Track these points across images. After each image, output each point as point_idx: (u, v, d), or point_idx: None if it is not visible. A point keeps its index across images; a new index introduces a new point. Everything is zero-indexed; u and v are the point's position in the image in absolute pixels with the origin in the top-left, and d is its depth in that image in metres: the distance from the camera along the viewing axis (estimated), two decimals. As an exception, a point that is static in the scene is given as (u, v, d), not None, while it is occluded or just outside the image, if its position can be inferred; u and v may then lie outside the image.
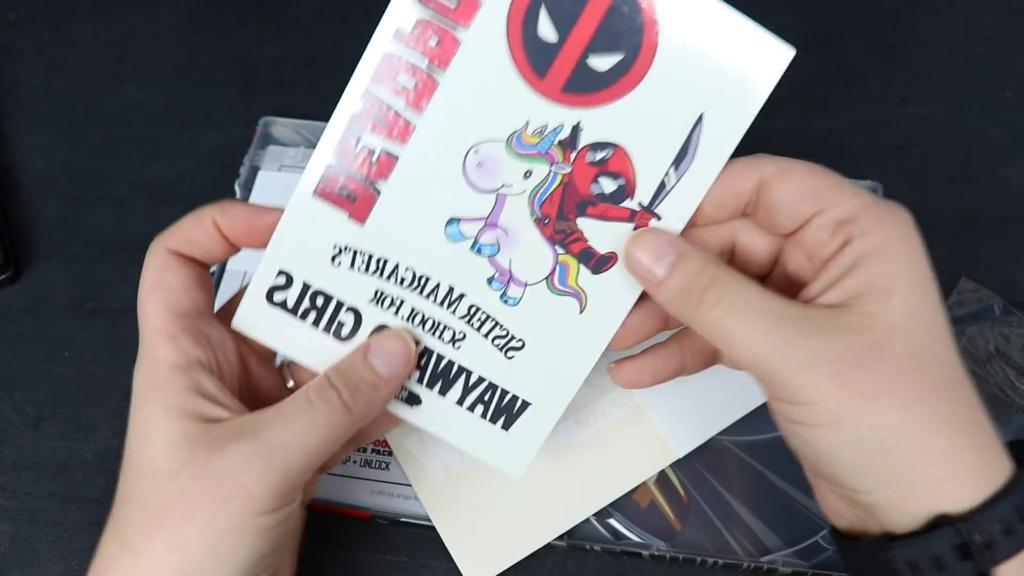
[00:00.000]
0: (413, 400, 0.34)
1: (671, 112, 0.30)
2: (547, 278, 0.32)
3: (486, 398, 0.33)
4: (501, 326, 0.32)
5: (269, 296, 0.32)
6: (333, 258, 0.32)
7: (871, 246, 0.28)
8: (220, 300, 0.46)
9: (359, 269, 0.32)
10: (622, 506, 0.40)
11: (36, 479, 0.43)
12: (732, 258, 0.33)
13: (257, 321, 0.33)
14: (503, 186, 0.31)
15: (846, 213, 0.29)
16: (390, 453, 0.41)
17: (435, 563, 0.40)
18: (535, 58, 0.29)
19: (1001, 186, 0.51)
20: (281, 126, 0.52)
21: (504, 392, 0.33)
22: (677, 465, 0.41)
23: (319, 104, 0.55)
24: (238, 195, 0.49)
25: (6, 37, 0.59)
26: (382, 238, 0.31)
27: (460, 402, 0.33)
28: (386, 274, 0.32)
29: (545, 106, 0.30)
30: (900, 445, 0.27)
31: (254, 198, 0.49)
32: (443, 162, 0.30)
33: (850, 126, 0.54)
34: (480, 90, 0.30)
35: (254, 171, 0.50)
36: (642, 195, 0.31)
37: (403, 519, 0.40)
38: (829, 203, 0.29)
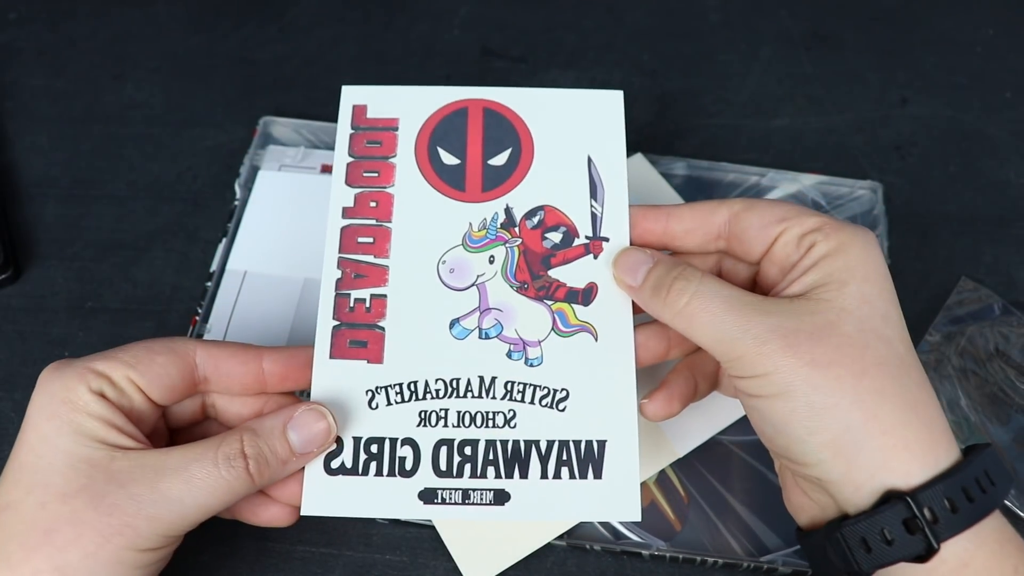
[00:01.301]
0: (502, 498, 0.34)
1: (566, 166, 0.38)
2: (552, 328, 0.36)
3: (564, 457, 0.34)
4: (540, 387, 0.35)
5: (328, 467, 0.34)
6: (369, 403, 0.34)
7: (830, 248, 0.32)
8: (225, 302, 0.46)
9: (395, 401, 0.35)
10: None
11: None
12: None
13: (327, 497, 0.34)
14: (478, 277, 0.36)
15: (809, 227, 0.33)
16: None
17: (435, 563, 0.40)
18: (452, 181, 0.38)
19: (1001, 185, 0.51)
20: (281, 126, 0.52)
21: (577, 443, 0.34)
22: (677, 465, 0.41)
23: (319, 103, 0.55)
24: (238, 195, 0.49)
25: (6, 37, 0.59)
26: (403, 365, 0.35)
27: (544, 475, 0.34)
28: (420, 394, 0.35)
29: (477, 207, 0.37)
30: (850, 411, 0.29)
31: (254, 198, 0.49)
32: (423, 281, 0.36)
33: (850, 125, 0.54)
34: (424, 220, 0.37)
35: (254, 171, 0.50)
36: (584, 230, 0.37)
37: (403, 519, 0.40)
38: (793, 223, 0.33)
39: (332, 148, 0.51)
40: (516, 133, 0.39)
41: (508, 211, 0.37)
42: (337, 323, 0.36)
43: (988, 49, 0.57)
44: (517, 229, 0.37)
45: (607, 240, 0.37)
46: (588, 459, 0.34)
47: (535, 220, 0.37)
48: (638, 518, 0.34)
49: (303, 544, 0.41)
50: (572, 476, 0.34)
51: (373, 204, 0.37)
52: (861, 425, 0.29)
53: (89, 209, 0.51)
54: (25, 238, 0.50)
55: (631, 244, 0.37)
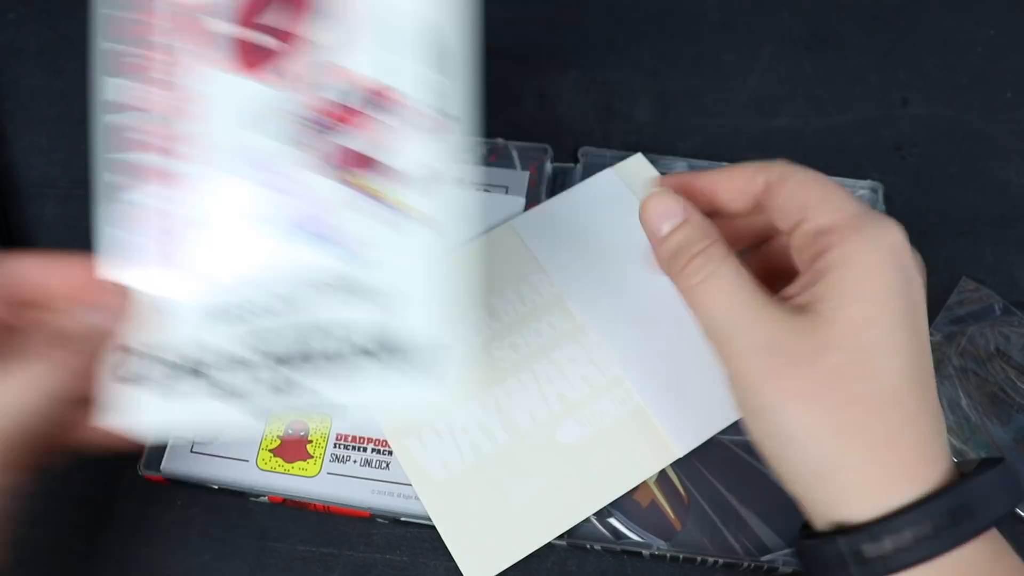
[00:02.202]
0: (285, 387, 0.31)
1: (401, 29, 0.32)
2: (384, 222, 0.31)
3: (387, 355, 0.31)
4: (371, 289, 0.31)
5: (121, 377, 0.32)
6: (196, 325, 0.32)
7: (843, 255, 0.30)
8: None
9: (218, 321, 0.32)
10: (622, 505, 0.40)
11: (37, 479, 0.42)
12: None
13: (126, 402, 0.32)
14: (296, 169, 0.32)
15: (827, 224, 0.31)
16: (390, 453, 0.41)
17: (435, 562, 0.40)
18: (253, 55, 0.31)
19: (1002, 186, 0.51)
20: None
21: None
22: (677, 465, 0.41)
23: (319, 104, 0.55)
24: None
25: (6, 36, 0.59)
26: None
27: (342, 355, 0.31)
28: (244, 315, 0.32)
29: (282, 91, 0.32)
30: (819, 445, 0.29)
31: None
32: (227, 181, 0.32)
33: (850, 125, 0.54)
34: (222, 108, 0.32)
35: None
36: (424, 106, 0.32)
37: (403, 519, 0.40)
38: (812, 213, 0.31)
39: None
40: None
41: (323, 89, 0.32)
42: (128, 235, 0.33)
43: (989, 49, 0.57)
44: (340, 109, 0.32)
45: (453, 118, 0.32)
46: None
47: (358, 99, 0.32)
48: (459, 397, 0.32)
49: (303, 544, 0.41)
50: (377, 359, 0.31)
51: (160, 95, 0.32)
52: (829, 458, 0.29)
53: (89, 209, 0.51)
54: (25, 238, 0.50)
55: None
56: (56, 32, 0.59)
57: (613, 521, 0.40)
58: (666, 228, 0.33)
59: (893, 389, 0.29)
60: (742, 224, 0.36)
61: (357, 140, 0.31)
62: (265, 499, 0.41)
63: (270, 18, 0.31)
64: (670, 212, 0.33)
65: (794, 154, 0.53)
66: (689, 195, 0.35)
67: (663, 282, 0.38)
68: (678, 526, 0.40)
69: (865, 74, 0.56)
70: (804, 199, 0.32)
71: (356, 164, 0.31)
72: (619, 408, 0.41)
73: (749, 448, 0.41)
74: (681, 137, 0.53)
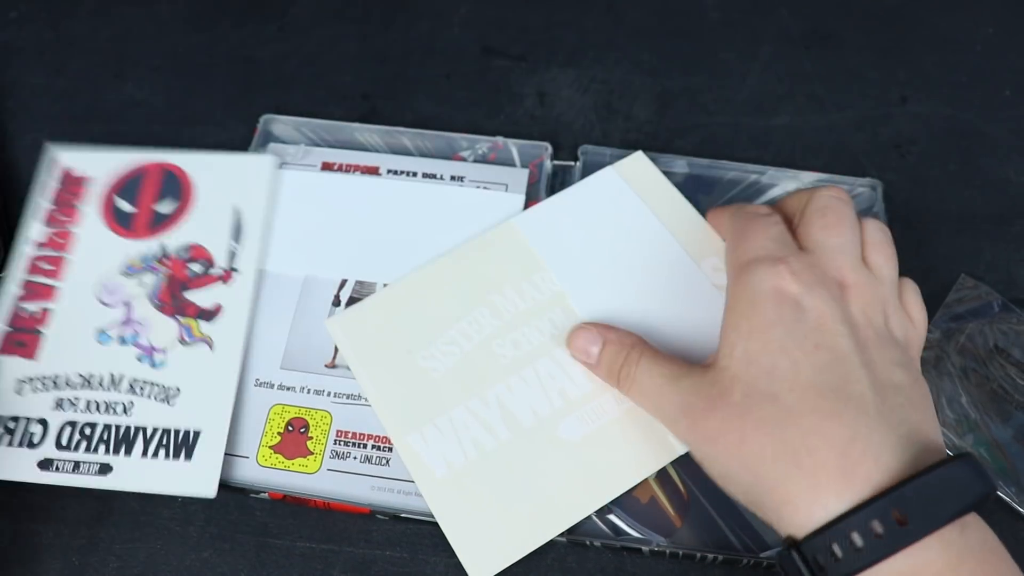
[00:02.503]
0: (105, 470, 0.41)
1: (218, 214, 0.48)
2: (179, 338, 0.44)
3: (165, 442, 0.41)
4: (158, 385, 0.43)
5: None
6: (18, 391, 0.43)
7: (728, 302, 0.35)
8: (220, 297, 0.46)
9: (39, 389, 0.43)
10: (622, 502, 0.40)
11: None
12: None
13: None
14: (130, 297, 0.45)
15: (731, 272, 0.36)
16: (390, 449, 0.41)
17: (435, 559, 0.40)
18: (123, 223, 0.48)
19: (1001, 184, 0.51)
20: (282, 124, 0.52)
21: (177, 431, 0.41)
22: (677, 462, 0.41)
23: (319, 102, 0.55)
24: (238, 193, 0.49)
25: (7, 35, 0.59)
26: (50, 362, 0.43)
27: (145, 454, 0.41)
28: (60, 385, 0.43)
29: (141, 243, 0.47)
30: (741, 476, 0.32)
31: (254, 196, 0.50)
32: (82, 299, 0.45)
33: (850, 124, 0.54)
34: (94, 253, 0.47)
35: (254, 169, 0.51)
36: (222, 263, 0.46)
37: (403, 515, 0.40)
38: (728, 254, 0.37)
39: (333, 146, 0.51)
40: (182, 188, 0.49)
41: (163, 247, 0.47)
42: (8, 328, 0.45)
43: (988, 48, 0.57)
44: (168, 261, 0.46)
45: (238, 271, 0.46)
46: (183, 444, 0.41)
47: (185, 255, 0.46)
48: (212, 495, 0.40)
49: (304, 540, 0.41)
50: (168, 456, 0.41)
51: (59, 239, 0.47)
52: (753, 487, 0.31)
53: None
54: (26, 236, 0.50)
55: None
56: (57, 31, 0.59)
57: (613, 518, 0.40)
58: (594, 352, 0.40)
59: (793, 406, 0.31)
60: None
61: (197, 295, 0.45)
62: (265, 495, 0.41)
63: (156, 202, 0.48)
64: (591, 340, 0.40)
65: (794, 152, 0.54)
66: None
67: (664, 280, 0.44)
68: (678, 523, 0.40)
69: (864, 72, 0.56)
70: (731, 241, 0.38)
71: (186, 309, 0.45)
72: (621, 405, 0.41)
73: None
74: (680, 135, 0.54)
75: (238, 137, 0.53)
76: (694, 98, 0.55)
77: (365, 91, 0.56)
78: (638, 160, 0.48)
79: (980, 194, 0.51)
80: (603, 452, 0.40)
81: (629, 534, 0.40)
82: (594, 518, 0.40)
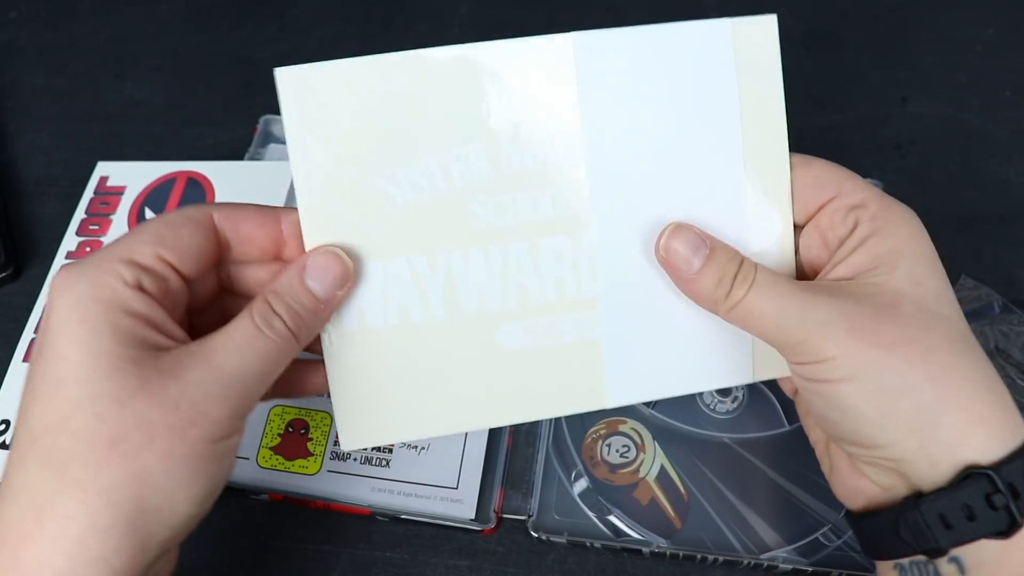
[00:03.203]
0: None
1: None
2: None
3: None
4: None
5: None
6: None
7: (877, 227, 0.31)
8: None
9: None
10: (622, 503, 0.40)
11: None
12: None
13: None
14: None
15: (858, 200, 0.32)
16: (390, 451, 0.42)
17: (435, 560, 0.40)
18: None
19: (1001, 184, 0.51)
20: (281, 124, 0.52)
21: None
22: (677, 463, 0.41)
23: (319, 102, 0.55)
24: (238, 193, 0.50)
25: (7, 35, 0.59)
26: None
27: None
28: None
29: None
30: (923, 389, 0.28)
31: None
32: None
33: (850, 124, 0.54)
34: None
35: (254, 169, 0.51)
36: None
37: (403, 516, 0.40)
38: (844, 191, 0.33)
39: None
40: (204, 195, 0.49)
41: None
42: (35, 336, 0.41)
43: (988, 48, 0.57)
44: None
45: None
46: None
47: None
48: None
49: (304, 542, 0.41)
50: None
51: (88, 249, 0.48)
52: (936, 402, 0.28)
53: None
54: (26, 236, 0.50)
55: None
56: (57, 31, 0.59)
57: (613, 519, 0.40)
58: (697, 264, 0.32)
59: (964, 333, 0.30)
60: None
61: None
62: (265, 497, 0.41)
63: None
64: (696, 246, 0.32)
65: (793, 153, 0.53)
66: None
67: (711, 207, 0.34)
68: (678, 524, 0.40)
69: (864, 73, 0.56)
70: (834, 178, 0.33)
71: None
72: (576, 334, 0.34)
73: (749, 446, 0.41)
74: (681, 136, 0.54)
75: (237, 137, 0.53)
76: (694, 98, 0.55)
77: (365, 91, 0.56)
78: (766, 28, 0.34)
79: (980, 195, 0.51)
80: (533, 375, 0.34)
81: (629, 535, 0.40)
82: (593, 519, 0.40)
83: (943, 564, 0.29)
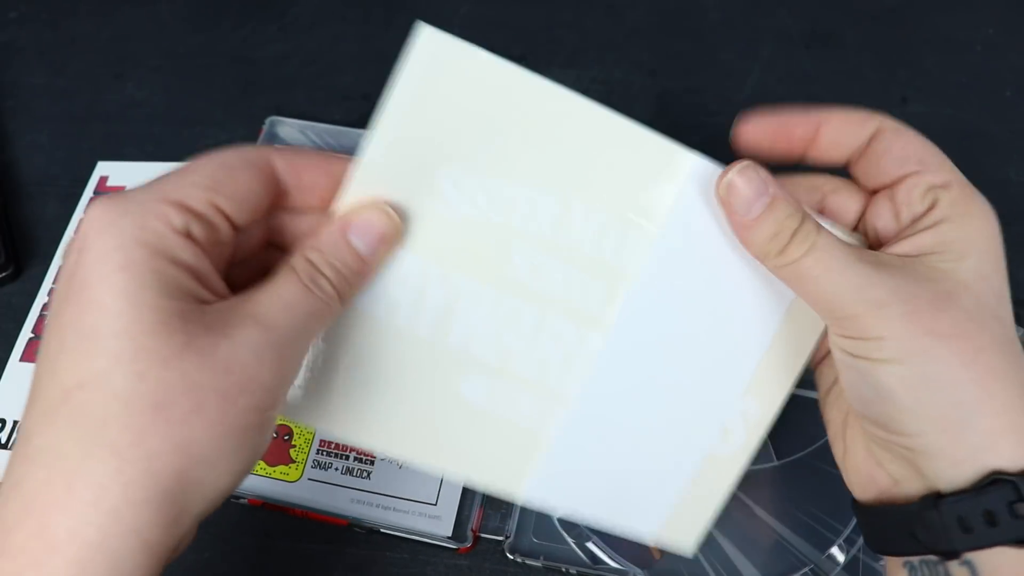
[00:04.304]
0: None
1: None
2: None
3: None
4: None
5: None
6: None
7: (954, 212, 0.30)
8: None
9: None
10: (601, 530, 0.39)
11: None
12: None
13: None
14: None
15: (941, 180, 0.31)
16: (372, 462, 0.41)
17: (436, 560, 0.40)
18: None
19: (1001, 185, 0.51)
20: (287, 126, 0.52)
21: None
22: None
23: (320, 103, 0.55)
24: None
25: (7, 35, 0.59)
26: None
27: None
28: None
29: None
30: (965, 387, 0.28)
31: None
32: None
33: (850, 124, 0.54)
34: None
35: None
36: None
37: (382, 530, 0.40)
38: (929, 167, 0.31)
39: (336, 151, 0.51)
40: None
41: None
42: (32, 335, 0.45)
43: (988, 48, 0.57)
44: None
45: None
46: None
47: None
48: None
49: (305, 542, 0.41)
50: None
51: None
52: (974, 403, 0.27)
53: (90, 207, 0.51)
54: (26, 236, 0.50)
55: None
56: (57, 31, 0.59)
57: (591, 546, 0.39)
58: (756, 210, 0.30)
59: (1013, 338, 0.29)
60: (801, 195, 0.33)
61: None
62: (245, 501, 0.41)
63: None
64: (759, 191, 0.30)
65: (794, 153, 0.53)
66: (780, 137, 0.33)
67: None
68: (657, 555, 0.39)
69: (864, 73, 0.56)
70: (920, 152, 0.32)
71: None
72: (531, 418, 0.32)
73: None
74: (680, 136, 0.53)
75: (238, 138, 0.53)
76: (694, 99, 0.55)
77: (366, 91, 0.56)
78: (814, 324, 0.33)
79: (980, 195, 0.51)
80: (472, 434, 0.32)
81: (607, 564, 0.39)
82: (571, 544, 0.39)
83: (955, 567, 0.28)
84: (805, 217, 0.30)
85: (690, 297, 0.32)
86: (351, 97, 0.55)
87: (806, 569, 0.38)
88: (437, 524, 0.40)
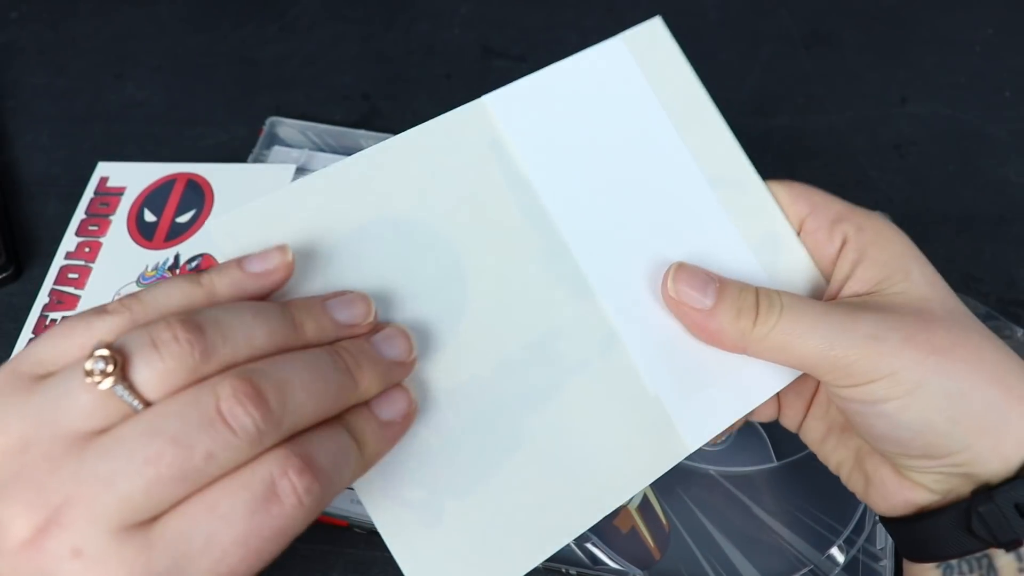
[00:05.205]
0: None
1: None
2: None
3: None
4: None
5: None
6: None
7: (870, 238, 0.31)
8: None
9: None
10: (602, 530, 0.39)
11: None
12: None
13: None
14: None
15: (835, 213, 0.32)
16: None
17: (436, 560, 0.40)
18: (145, 233, 0.48)
19: (1000, 184, 0.51)
20: (287, 127, 0.52)
21: None
22: (660, 493, 0.39)
23: (320, 103, 0.55)
24: (239, 193, 0.50)
25: (8, 35, 0.59)
26: None
27: None
28: None
29: (158, 253, 0.47)
30: (988, 389, 0.28)
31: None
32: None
33: (850, 125, 0.54)
34: (116, 263, 0.47)
35: (255, 169, 0.51)
36: None
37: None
38: (818, 204, 0.32)
39: (337, 152, 0.51)
40: (204, 198, 0.49)
41: (176, 257, 0.47)
42: (32, 336, 0.45)
43: (987, 48, 0.57)
44: (178, 270, 0.47)
45: None
46: None
47: (193, 264, 0.47)
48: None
49: (304, 541, 0.40)
50: None
51: (87, 249, 0.48)
52: (1001, 400, 0.28)
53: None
54: (26, 236, 0.50)
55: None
56: (57, 31, 0.59)
57: (591, 546, 0.39)
58: (709, 298, 0.30)
59: (989, 332, 0.30)
60: None
61: None
62: None
63: (178, 212, 0.49)
64: (703, 281, 0.30)
65: (793, 153, 0.54)
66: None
67: (667, 207, 0.32)
68: (657, 555, 0.39)
69: (864, 73, 0.56)
70: (803, 195, 0.33)
71: None
72: (607, 383, 0.30)
73: (736, 480, 0.40)
74: (681, 136, 0.54)
75: (238, 138, 0.53)
76: (694, 99, 0.55)
77: (366, 91, 0.56)
78: (656, 32, 0.34)
79: (979, 195, 0.51)
80: (583, 451, 0.30)
81: (606, 564, 0.39)
82: (571, 544, 0.39)
83: (1000, 556, 0.28)
84: (756, 288, 0.30)
85: (596, 178, 0.31)
86: (351, 97, 0.55)
87: (806, 569, 0.38)
88: None
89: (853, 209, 0.32)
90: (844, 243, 0.31)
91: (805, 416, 0.34)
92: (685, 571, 0.39)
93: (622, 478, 0.29)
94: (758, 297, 0.29)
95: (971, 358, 0.28)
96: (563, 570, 0.39)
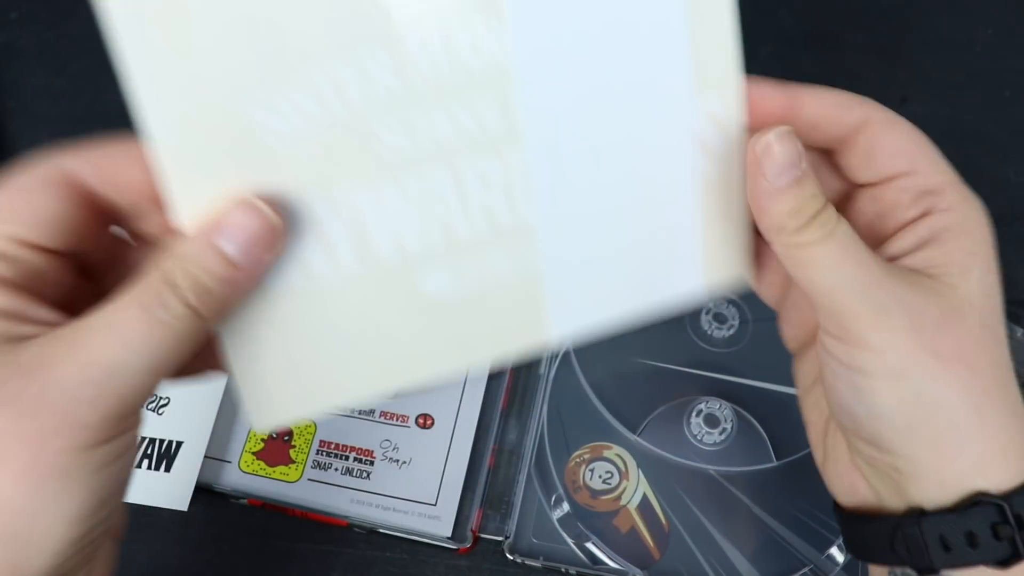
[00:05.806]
0: None
1: None
2: None
3: (150, 451, 0.44)
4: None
5: None
6: None
7: (952, 222, 0.29)
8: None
9: None
10: (601, 530, 0.39)
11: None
12: None
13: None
14: None
15: (933, 184, 0.29)
16: (372, 463, 0.42)
17: (435, 560, 0.40)
18: None
19: (1000, 185, 0.51)
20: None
21: (161, 441, 0.43)
22: (660, 493, 0.40)
23: (319, 103, 0.55)
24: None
25: (7, 36, 0.59)
26: None
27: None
28: None
29: None
30: (959, 410, 0.27)
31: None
32: None
33: (849, 125, 0.54)
34: None
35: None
36: None
37: (381, 530, 0.40)
38: (920, 168, 0.29)
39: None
40: None
41: None
42: None
43: (987, 48, 0.57)
44: None
45: None
46: (165, 455, 0.42)
47: None
48: (184, 508, 0.39)
49: (304, 541, 0.41)
50: (150, 467, 0.41)
51: None
52: (969, 427, 0.27)
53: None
54: (26, 237, 0.50)
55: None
56: (57, 32, 0.59)
57: (591, 546, 0.39)
58: (784, 180, 0.28)
59: (1007, 358, 0.28)
60: None
61: None
62: (244, 501, 0.41)
63: None
64: (793, 161, 0.27)
65: (793, 153, 0.53)
66: (761, 111, 0.31)
67: (643, 109, 0.29)
68: (657, 555, 0.39)
69: (864, 72, 0.56)
70: (913, 149, 0.29)
71: None
72: (512, 267, 0.29)
73: (735, 479, 0.41)
74: (680, 136, 0.54)
75: (238, 138, 0.53)
76: (694, 99, 0.55)
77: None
78: None
79: (979, 195, 0.51)
80: (466, 320, 0.29)
81: (606, 564, 0.39)
82: (571, 544, 0.39)
83: None
84: (827, 203, 0.28)
85: (576, 48, 0.27)
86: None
87: (806, 569, 0.39)
88: (436, 524, 0.40)
89: (955, 187, 0.29)
90: (924, 215, 0.29)
91: (806, 348, 0.33)
92: (685, 571, 0.39)
93: (473, 347, 0.29)
94: (822, 209, 0.27)
95: (966, 376, 0.27)
96: (563, 570, 0.39)
